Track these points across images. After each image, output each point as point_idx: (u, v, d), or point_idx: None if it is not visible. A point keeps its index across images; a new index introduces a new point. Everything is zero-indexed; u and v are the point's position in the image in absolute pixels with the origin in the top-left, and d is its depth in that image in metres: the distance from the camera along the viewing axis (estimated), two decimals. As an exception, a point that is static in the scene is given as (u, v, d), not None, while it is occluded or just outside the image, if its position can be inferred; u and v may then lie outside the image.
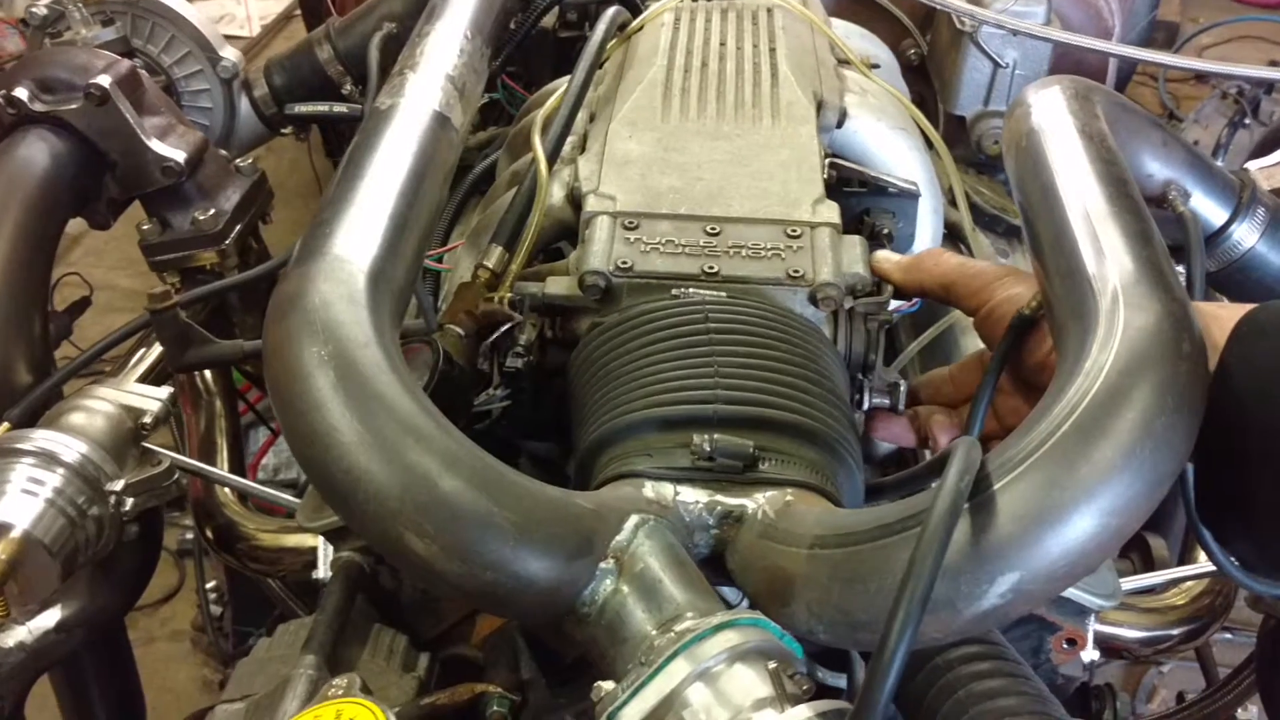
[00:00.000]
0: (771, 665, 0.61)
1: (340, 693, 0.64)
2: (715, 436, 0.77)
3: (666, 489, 0.76)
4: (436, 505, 0.64)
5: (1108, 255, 0.74)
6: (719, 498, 0.76)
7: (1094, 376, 0.65)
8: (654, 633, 0.65)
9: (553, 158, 1.06)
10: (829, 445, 0.81)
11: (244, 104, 1.66)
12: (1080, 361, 0.67)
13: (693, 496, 0.76)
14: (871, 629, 0.65)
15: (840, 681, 0.81)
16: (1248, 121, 2.78)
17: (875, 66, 1.35)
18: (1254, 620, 1.32)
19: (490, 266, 0.99)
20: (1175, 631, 1.30)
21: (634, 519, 0.70)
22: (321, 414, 0.67)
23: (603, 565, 0.68)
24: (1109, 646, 1.26)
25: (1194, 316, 0.69)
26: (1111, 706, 1.57)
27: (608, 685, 0.63)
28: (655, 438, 0.79)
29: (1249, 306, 0.71)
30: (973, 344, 1.34)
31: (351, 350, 0.70)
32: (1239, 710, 1.53)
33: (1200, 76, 3.98)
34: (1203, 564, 1.31)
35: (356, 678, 0.66)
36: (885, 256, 0.95)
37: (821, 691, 0.64)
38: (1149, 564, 1.41)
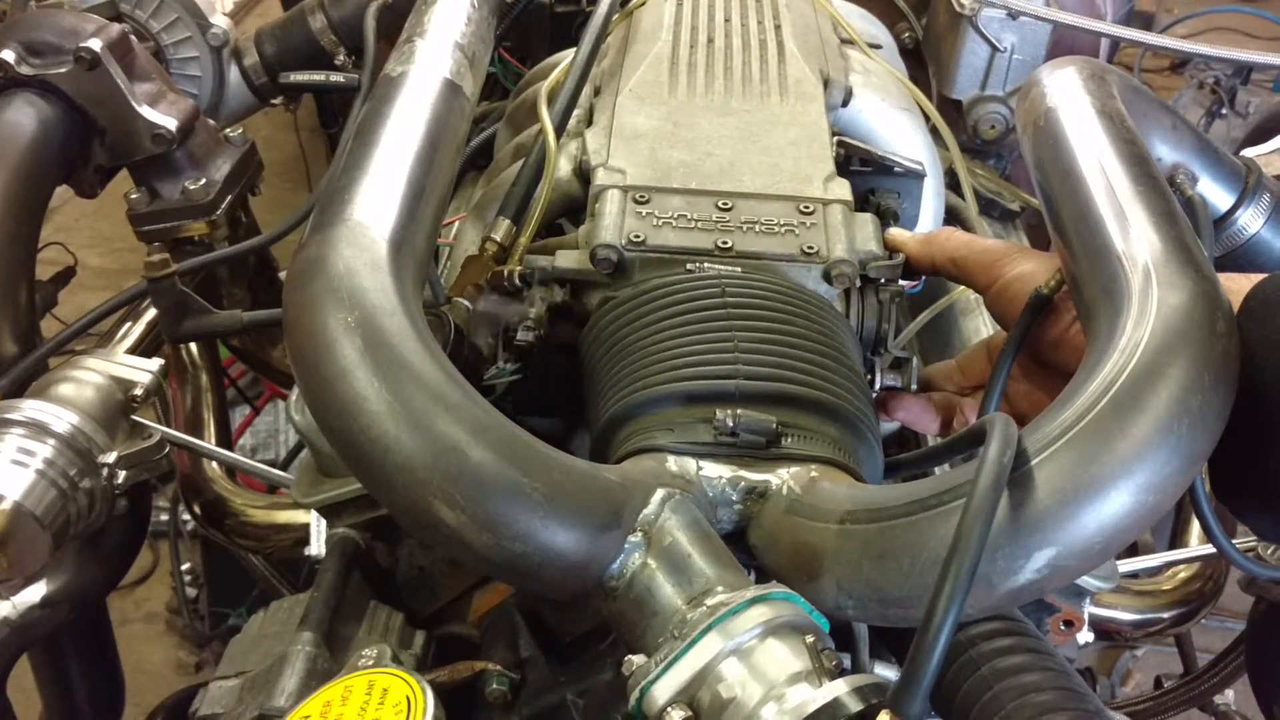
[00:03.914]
0: (809, 639, 0.60)
1: (370, 663, 0.63)
2: (739, 412, 0.76)
3: (689, 464, 0.75)
4: (466, 475, 0.63)
5: (1136, 233, 0.73)
6: (743, 473, 0.75)
7: (1129, 353, 0.64)
8: (684, 607, 0.64)
9: (559, 131, 1.04)
10: (850, 422, 0.80)
11: (233, 73, 1.63)
12: (1114, 339, 0.67)
13: (716, 472, 0.75)
14: (903, 605, 0.65)
15: (844, 661, 0.81)
16: (1225, 111, 2.81)
17: (877, 47, 1.34)
18: (1231, 605, 1.33)
19: (498, 240, 0.97)
20: (1166, 615, 1.31)
21: (661, 493, 0.69)
22: (349, 382, 0.65)
23: (631, 539, 0.67)
24: (1101, 629, 1.27)
25: (1224, 294, 0.69)
26: (1092, 689, 1.58)
27: (638, 659, 0.63)
28: (677, 412, 0.78)
29: (1259, 276, 0.70)
30: (971, 326, 1.34)
31: (378, 317, 0.68)
32: (1216, 696, 1.55)
33: (1175, 67, 4.02)
34: (1195, 548, 1.33)
35: (386, 649, 0.64)
36: (900, 231, 0.96)
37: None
38: (1133, 548, 1.42)
